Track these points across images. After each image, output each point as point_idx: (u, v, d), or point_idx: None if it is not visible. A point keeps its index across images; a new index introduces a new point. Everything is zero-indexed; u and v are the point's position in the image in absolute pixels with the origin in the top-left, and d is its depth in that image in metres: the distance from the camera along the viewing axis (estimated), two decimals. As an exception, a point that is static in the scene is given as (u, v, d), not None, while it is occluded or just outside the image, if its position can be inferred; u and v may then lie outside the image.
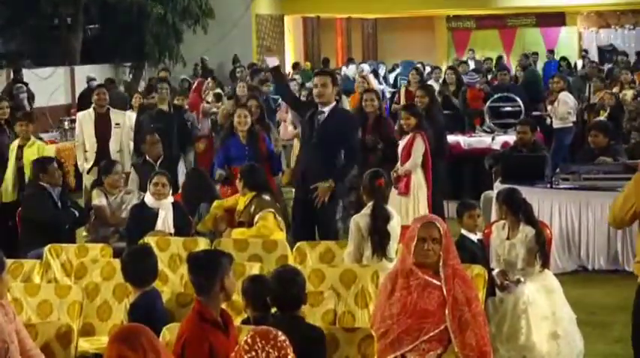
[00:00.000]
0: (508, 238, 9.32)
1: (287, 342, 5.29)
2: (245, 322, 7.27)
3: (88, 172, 15.04)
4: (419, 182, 13.20)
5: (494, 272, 9.00)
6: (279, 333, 5.32)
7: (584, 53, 33.79)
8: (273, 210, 10.53)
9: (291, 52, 35.05)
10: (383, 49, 37.91)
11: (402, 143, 13.21)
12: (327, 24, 37.67)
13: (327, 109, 10.97)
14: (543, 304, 8.94)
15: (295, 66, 29.20)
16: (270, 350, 5.17)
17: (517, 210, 9.39)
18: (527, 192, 12.50)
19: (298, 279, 7.00)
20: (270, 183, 11.87)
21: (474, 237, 9.35)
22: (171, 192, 11.13)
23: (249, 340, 5.23)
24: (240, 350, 5.25)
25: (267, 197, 10.76)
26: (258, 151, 12.88)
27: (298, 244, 9.79)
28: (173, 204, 11.04)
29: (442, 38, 39.18)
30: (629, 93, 17.82)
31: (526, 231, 9.26)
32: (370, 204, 9.09)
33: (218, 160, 13.17)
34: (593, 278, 12.39)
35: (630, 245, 12.38)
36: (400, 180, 13.12)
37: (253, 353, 5.16)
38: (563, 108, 17.98)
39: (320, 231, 10.95)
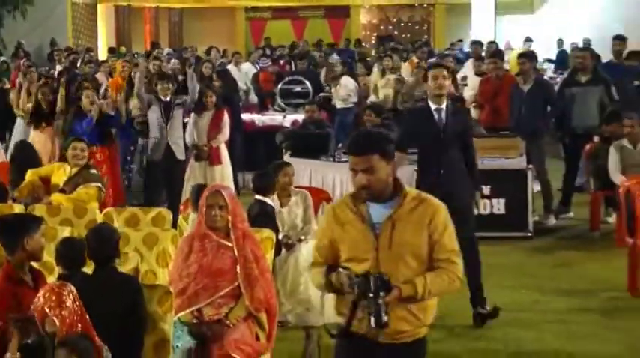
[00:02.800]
0: (282, 206, 9.40)
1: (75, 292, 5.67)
2: (59, 279, 7.17)
3: None
4: (225, 152, 13.32)
5: (281, 235, 9.08)
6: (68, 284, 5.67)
7: (346, 42, 34.06)
8: (100, 185, 10.39)
9: (104, 38, 34.56)
10: (188, 37, 37.59)
11: (205, 119, 13.23)
12: (137, 13, 37.33)
13: (444, 105, 9.42)
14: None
15: (112, 50, 28.88)
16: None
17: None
18: (313, 165, 12.69)
19: (114, 235, 6.99)
20: None
21: (269, 201, 9.42)
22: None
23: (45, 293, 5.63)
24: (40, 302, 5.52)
25: (94, 171, 10.62)
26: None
27: (106, 210, 9.72)
28: None
29: (241, 27, 39.10)
30: (391, 78, 18.18)
31: (297, 195, 9.41)
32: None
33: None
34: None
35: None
36: (213, 151, 13.24)
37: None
38: (344, 91, 18.25)
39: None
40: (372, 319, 4.90)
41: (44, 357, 5.59)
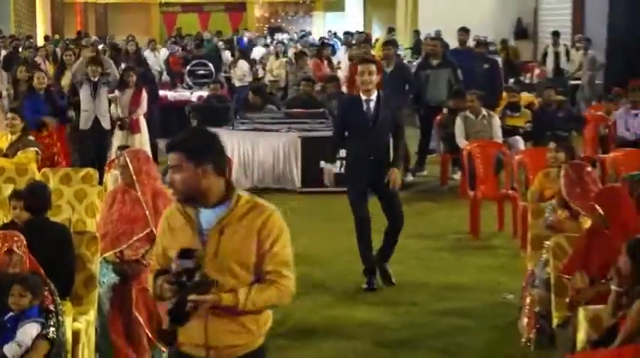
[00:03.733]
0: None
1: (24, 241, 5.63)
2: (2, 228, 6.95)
3: None
4: (144, 123, 13.13)
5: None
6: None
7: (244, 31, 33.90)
8: (37, 149, 10.22)
9: (41, 27, 33.71)
10: (112, 27, 36.94)
11: (127, 95, 12.99)
12: (69, 6, 36.61)
13: (374, 96, 8.27)
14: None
15: (47, 38, 28.28)
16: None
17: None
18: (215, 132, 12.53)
19: (46, 191, 6.85)
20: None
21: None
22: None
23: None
24: None
25: (31, 138, 10.44)
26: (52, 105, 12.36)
27: (43, 170, 9.62)
28: None
29: (156, 19, 38.56)
30: (283, 61, 18.30)
31: None
32: None
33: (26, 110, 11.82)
34: (262, 193, 12.52)
35: (289, 170, 12.67)
36: (133, 122, 12.93)
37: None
38: (240, 72, 18.20)
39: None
40: (171, 308, 3.85)
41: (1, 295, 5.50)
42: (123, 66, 14.66)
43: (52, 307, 5.53)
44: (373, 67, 8.25)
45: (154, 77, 17.69)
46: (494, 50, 20.65)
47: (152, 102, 14.27)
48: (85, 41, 23.11)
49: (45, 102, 12.14)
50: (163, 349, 6.76)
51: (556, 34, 20.43)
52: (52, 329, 5.38)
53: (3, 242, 5.65)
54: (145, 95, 13.22)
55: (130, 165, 6.90)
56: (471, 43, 16.32)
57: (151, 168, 7.10)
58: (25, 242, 5.75)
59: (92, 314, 6.53)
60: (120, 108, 13.05)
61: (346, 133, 8.63)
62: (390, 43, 15.02)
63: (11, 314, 5.39)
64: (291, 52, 19.68)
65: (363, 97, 8.30)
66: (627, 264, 5.50)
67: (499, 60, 17.98)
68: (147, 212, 6.85)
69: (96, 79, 12.87)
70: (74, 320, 6.17)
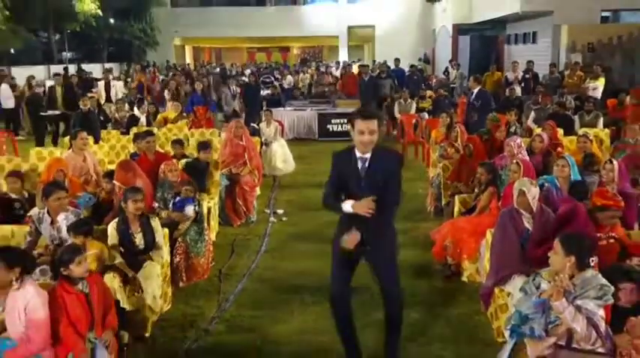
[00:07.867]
0: (267, 127, 9.08)
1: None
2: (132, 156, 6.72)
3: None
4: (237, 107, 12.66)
5: (263, 139, 8.80)
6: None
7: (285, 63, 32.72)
8: (187, 120, 9.95)
9: (189, 59, 33.13)
10: (224, 59, 36.11)
11: (229, 93, 12.44)
12: (201, 49, 35.97)
13: (368, 154, 3.48)
14: (280, 150, 8.81)
15: (195, 66, 27.70)
16: None
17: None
18: (275, 111, 12.09)
19: (182, 141, 6.71)
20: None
21: (256, 126, 9.07)
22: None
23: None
24: None
25: (185, 114, 10.21)
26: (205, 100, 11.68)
27: (191, 130, 9.19)
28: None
29: (244, 55, 37.64)
30: (307, 76, 17.52)
31: (275, 125, 9.10)
32: None
33: (190, 103, 11.27)
34: (304, 141, 12.33)
35: (312, 129, 12.37)
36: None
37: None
38: (287, 81, 17.67)
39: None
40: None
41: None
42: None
43: (196, 196, 5.44)
44: (374, 126, 3.45)
45: (258, 86, 16.42)
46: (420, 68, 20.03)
47: (256, 96, 12.92)
48: (209, 67, 22.53)
49: (200, 97, 11.55)
50: (251, 216, 6.75)
51: (450, 61, 20.11)
52: (196, 206, 5.32)
53: (173, 166, 5.54)
54: (238, 94, 12.67)
55: (244, 128, 6.96)
56: (404, 66, 16.00)
57: (246, 129, 7.07)
58: (178, 166, 5.61)
59: (216, 199, 6.48)
60: (227, 101, 12.67)
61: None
62: (364, 66, 14.78)
63: (179, 198, 5.32)
64: (311, 71, 19.09)
65: (358, 154, 3.53)
66: (484, 175, 5.42)
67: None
68: (246, 150, 6.81)
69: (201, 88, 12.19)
70: (208, 202, 6.13)
